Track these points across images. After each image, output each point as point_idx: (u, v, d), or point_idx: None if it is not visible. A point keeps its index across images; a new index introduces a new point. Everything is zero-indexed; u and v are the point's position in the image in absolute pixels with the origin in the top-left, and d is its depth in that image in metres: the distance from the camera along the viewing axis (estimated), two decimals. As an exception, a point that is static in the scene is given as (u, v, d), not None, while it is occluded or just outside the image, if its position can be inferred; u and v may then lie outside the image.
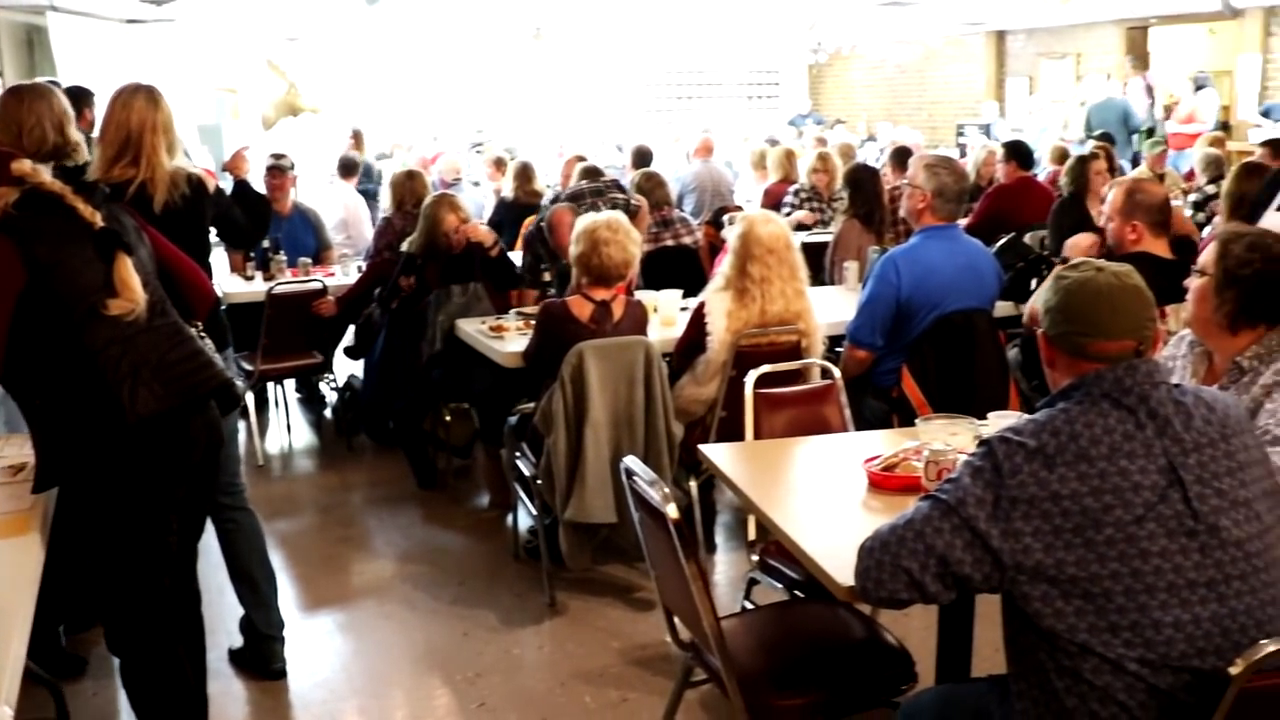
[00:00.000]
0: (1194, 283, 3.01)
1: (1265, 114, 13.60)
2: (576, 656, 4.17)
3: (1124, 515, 2.04)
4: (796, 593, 3.42)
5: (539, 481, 4.49)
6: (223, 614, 4.17)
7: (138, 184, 3.58)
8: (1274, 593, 2.12)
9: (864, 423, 4.25)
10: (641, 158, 9.17)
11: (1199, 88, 14.67)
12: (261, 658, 4.03)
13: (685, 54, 19.28)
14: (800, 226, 7.83)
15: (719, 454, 3.33)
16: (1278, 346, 2.87)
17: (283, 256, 6.97)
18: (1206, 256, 2.98)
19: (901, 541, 2.16)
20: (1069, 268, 2.34)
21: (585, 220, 4.52)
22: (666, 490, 2.61)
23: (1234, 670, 1.93)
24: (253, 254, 7.00)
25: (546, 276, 5.88)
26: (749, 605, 3.72)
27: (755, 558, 3.65)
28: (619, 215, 4.56)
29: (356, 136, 12.02)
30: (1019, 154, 8.39)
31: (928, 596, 2.17)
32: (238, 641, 4.11)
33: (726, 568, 4.92)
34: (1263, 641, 1.96)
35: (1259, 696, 1.95)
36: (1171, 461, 2.09)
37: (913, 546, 2.14)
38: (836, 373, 3.99)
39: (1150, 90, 14.86)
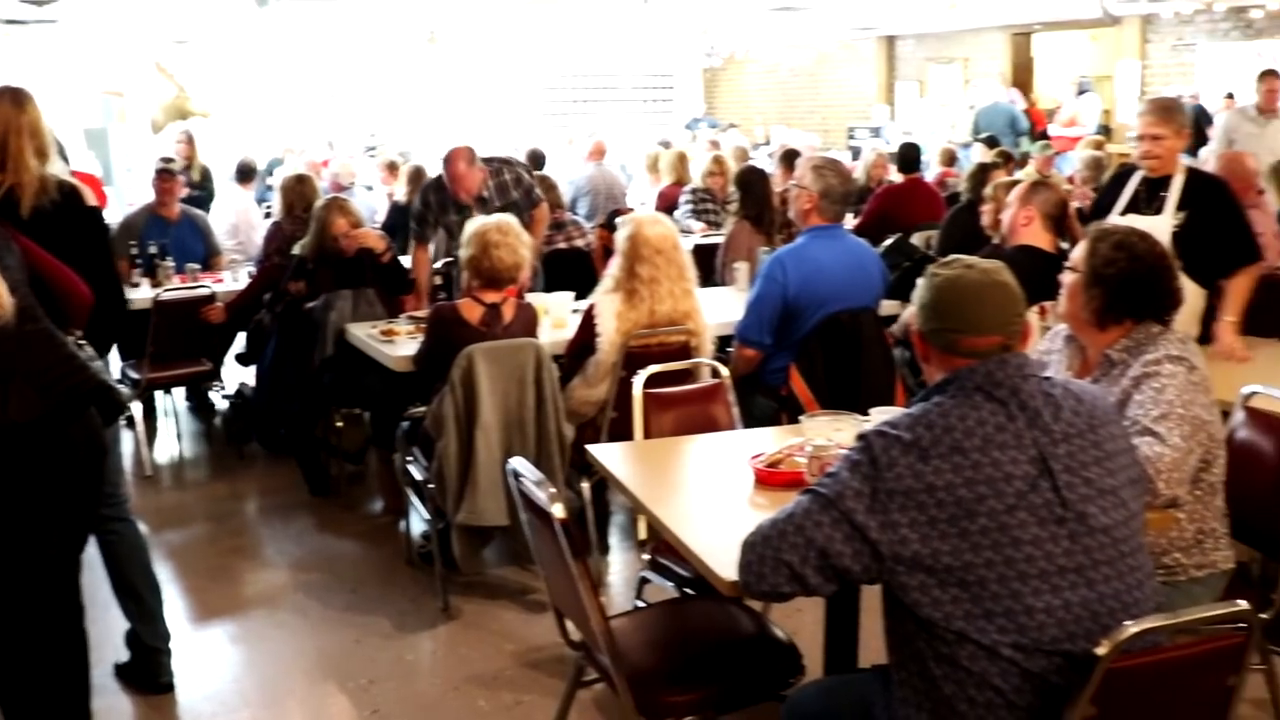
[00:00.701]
0: (1066, 279, 3.09)
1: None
2: (470, 660, 4.15)
3: (996, 505, 2.09)
4: (687, 590, 3.44)
5: (431, 485, 4.47)
6: (109, 628, 4.08)
7: (4, 189, 3.47)
8: (1139, 576, 2.19)
9: (754, 421, 4.29)
10: (535, 161, 9.18)
11: (1081, 92, 15.07)
12: (148, 672, 3.95)
13: (580, 58, 19.29)
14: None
15: (607, 454, 3.34)
16: (1146, 340, 2.97)
17: (170, 263, 6.84)
18: (1076, 254, 3.07)
19: (783, 535, 2.19)
20: (940, 265, 2.39)
21: (475, 223, 4.51)
22: (553, 490, 2.61)
23: (1100, 651, 1.99)
24: (139, 259, 6.87)
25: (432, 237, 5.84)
26: (641, 604, 3.74)
27: (646, 557, 3.67)
28: (509, 218, 4.56)
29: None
30: (904, 157, 8.55)
31: (809, 589, 2.20)
32: (124, 656, 4.02)
33: (621, 567, 4.93)
34: (1126, 623, 2.02)
35: (1124, 676, 2.02)
36: (1041, 452, 2.15)
37: (793, 540, 2.18)
38: (724, 372, 4.03)
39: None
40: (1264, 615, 3.22)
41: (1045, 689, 2.09)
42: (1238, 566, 3.43)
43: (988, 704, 2.10)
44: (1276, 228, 6.36)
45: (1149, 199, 4.68)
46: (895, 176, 8.86)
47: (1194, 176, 4.69)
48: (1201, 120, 11.08)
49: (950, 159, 11.05)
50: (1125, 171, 5.02)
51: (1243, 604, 2.13)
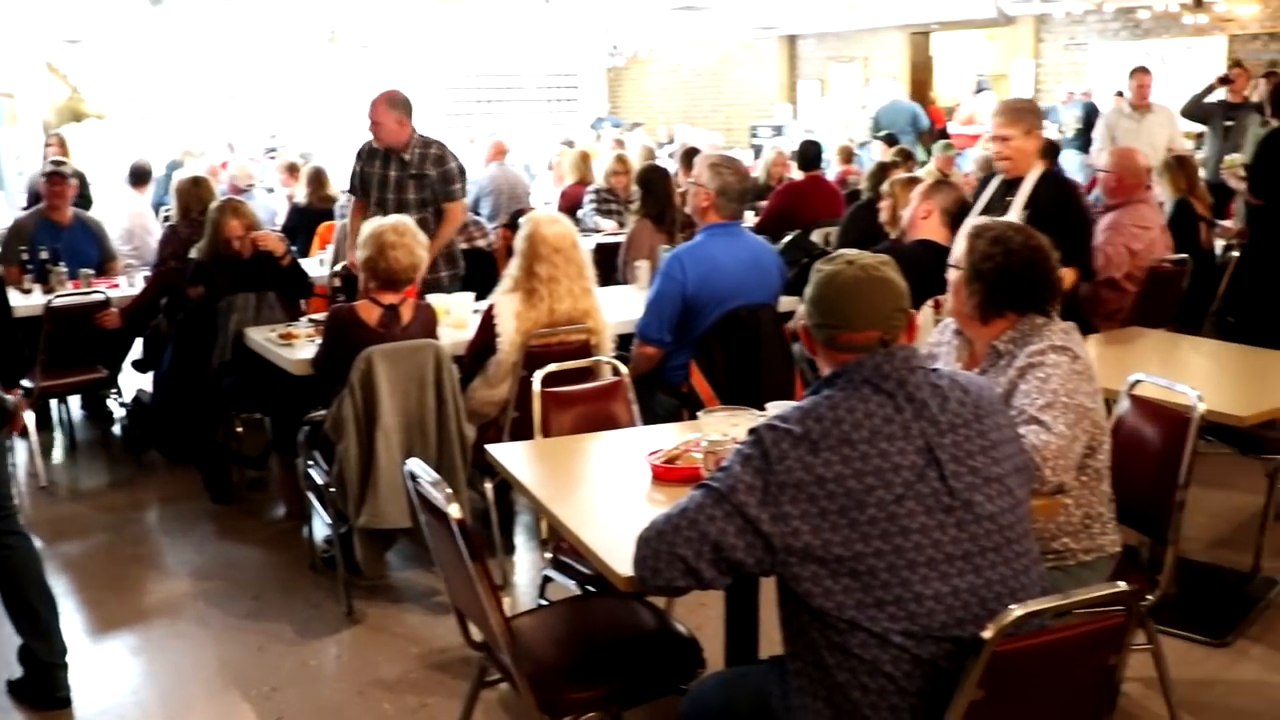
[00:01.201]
0: (950, 276, 3.16)
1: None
2: (375, 664, 4.12)
3: (885, 495, 2.13)
4: (589, 588, 3.45)
5: (332, 489, 4.43)
6: (1, 643, 3.99)
7: None
8: (1025, 562, 2.24)
9: (655, 418, 4.32)
10: (438, 162, 9.10)
11: (978, 91, 15.35)
12: (44, 687, 3.86)
13: (483, 58, 19.20)
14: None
15: (506, 453, 3.34)
16: (1030, 331, 3.04)
17: (63, 268, 6.69)
18: (957, 251, 3.14)
19: (676, 530, 2.21)
20: (823, 261, 2.43)
21: (371, 225, 4.48)
22: (449, 490, 2.61)
23: (986, 635, 2.03)
24: (30, 265, 6.71)
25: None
26: (545, 603, 3.74)
27: (548, 555, 3.67)
28: (405, 219, 4.54)
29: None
30: (806, 155, 8.65)
31: (704, 582, 2.22)
32: (17, 672, 3.93)
33: (527, 567, 4.93)
34: (1012, 607, 2.07)
35: (1010, 658, 2.06)
36: (929, 442, 2.19)
37: (687, 534, 2.20)
38: (624, 370, 4.04)
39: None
40: (1150, 597, 3.34)
41: (935, 674, 2.13)
42: (1126, 550, 3.53)
43: (880, 691, 2.14)
44: (1164, 221, 6.53)
45: (1001, 199, 4.79)
46: (796, 174, 8.95)
47: (1044, 179, 4.80)
48: (1093, 117, 11.33)
49: (849, 156, 11.20)
50: (992, 173, 5.15)
51: (1122, 585, 2.19)
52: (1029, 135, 4.76)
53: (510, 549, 5.03)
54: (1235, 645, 4.10)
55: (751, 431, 2.24)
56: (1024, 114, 4.84)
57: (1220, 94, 9.87)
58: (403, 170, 6.01)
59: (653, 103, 20.60)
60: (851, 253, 2.44)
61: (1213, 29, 13.59)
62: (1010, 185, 4.80)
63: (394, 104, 5.99)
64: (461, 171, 6.23)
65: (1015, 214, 4.60)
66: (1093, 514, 3.15)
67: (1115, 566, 3.25)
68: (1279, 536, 4.98)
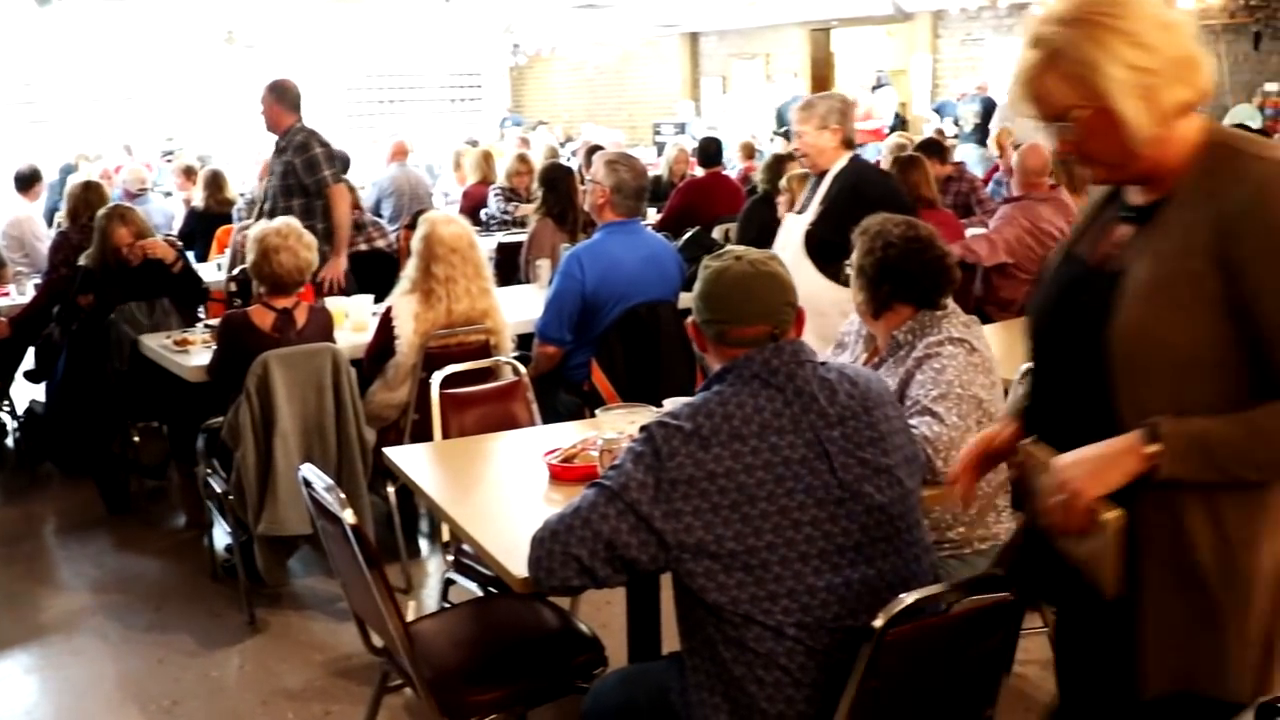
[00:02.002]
0: (851, 271, 3.20)
1: (938, 111, 14.50)
2: (278, 673, 4.07)
3: (776, 489, 2.14)
4: (491, 589, 3.44)
5: (231, 497, 4.36)
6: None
7: None
8: (916, 551, 2.28)
9: (557, 417, 4.31)
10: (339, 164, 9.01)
11: (877, 86, 15.53)
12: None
13: (385, 58, 19.03)
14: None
15: (404, 456, 3.31)
16: (930, 323, 3.09)
17: (-52, 277, 6.52)
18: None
19: (570, 530, 2.21)
20: (711, 257, 2.44)
21: (256, 229, 4.42)
22: (343, 496, 2.58)
23: (876, 624, 2.06)
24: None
25: None
26: (447, 606, 3.72)
27: (450, 558, 3.65)
28: (291, 221, 4.48)
29: None
30: (706, 152, 8.69)
31: (599, 581, 2.22)
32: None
33: (434, 570, 4.90)
34: (902, 596, 2.10)
35: (900, 645, 2.09)
36: (818, 435, 2.21)
37: (581, 534, 2.19)
38: (523, 370, 4.04)
39: None
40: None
41: (830, 665, 2.15)
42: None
43: (776, 683, 2.16)
44: (1075, 215, 6.65)
45: (810, 198, 4.80)
46: (699, 171, 8.99)
47: (843, 172, 4.69)
48: (990, 112, 11.55)
49: (751, 153, 11.26)
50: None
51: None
52: (822, 130, 4.69)
53: (414, 552, 4.99)
54: (1129, 625, 4.18)
55: (643, 429, 2.24)
56: (813, 108, 4.76)
57: None
58: (277, 158, 6.13)
59: (556, 101, 20.59)
60: (739, 248, 2.46)
61: (1103, 24, 13.86)
62: (817, 181, 4.78)
63: (271, 90, 6.14)
64: (330, 158, 6.23)
65: (811, 212, 4.65)
66: (987, 503, 3.20)
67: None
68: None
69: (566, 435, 3.34)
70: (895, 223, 3.16)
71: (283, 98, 6.13)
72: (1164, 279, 1.85)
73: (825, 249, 4.44)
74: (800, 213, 4.74)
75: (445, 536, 3.81)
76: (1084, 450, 1.87)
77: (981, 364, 3.06)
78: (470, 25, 16.98)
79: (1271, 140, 1.85)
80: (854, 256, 3.15)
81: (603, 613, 3.84)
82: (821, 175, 4.73)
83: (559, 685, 2.90)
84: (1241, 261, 1.79)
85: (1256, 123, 11.11)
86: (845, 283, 4.31)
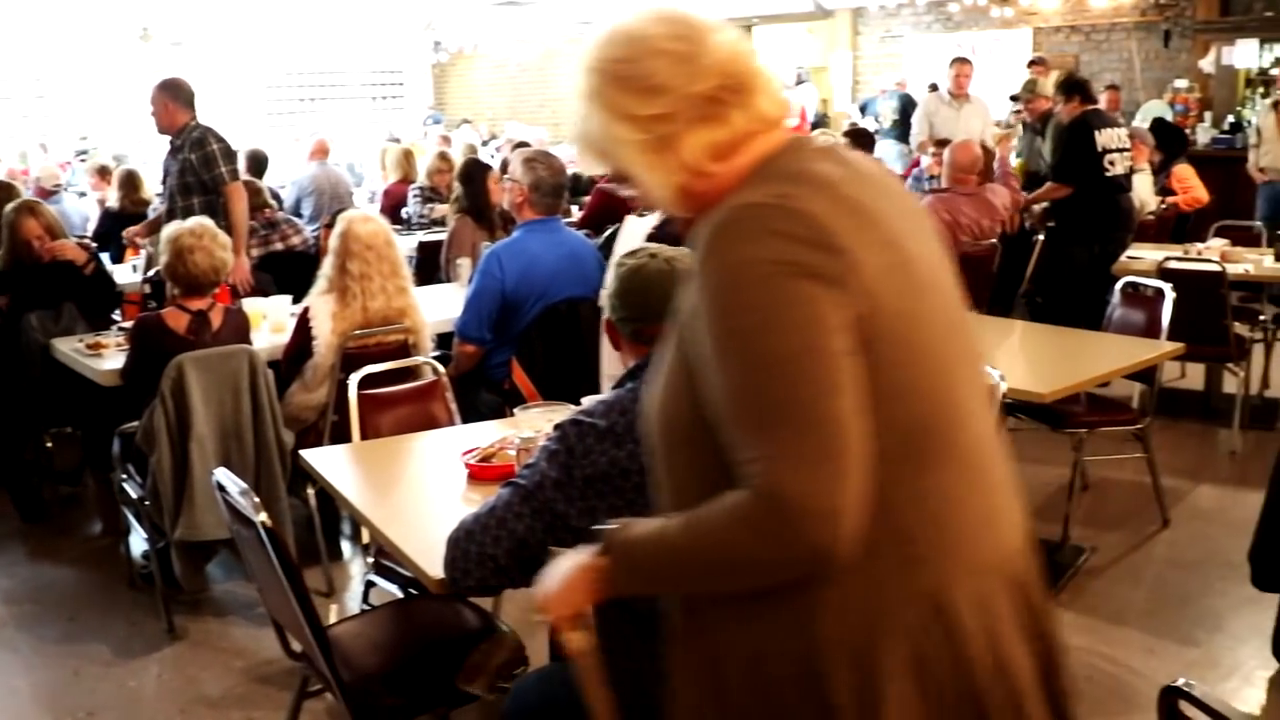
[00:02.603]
0: None
1: (862, 109, 14.62)
2: (198, 681, 4.01)
3: None
4: (412, 590, 3.42)
5: (147, 503, 4.29)
6: None
7: None
8: None
9: (479, 416, 4.27)
10: (256, 163, 8.91)
11: (798, 83, 15.63)
12: None
13: (305, 55, 18.82)
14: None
15: (322, 458, 3.28)
16: None
17: None
18: None
19: (485, 529, 2.20)
20: (626, 255, 2.45)
21: (170, 229, 4.36)
22: (257, 500, 2.55)
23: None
24: None
25: None
26: (368, 608, 3.70)
27: (370, 560, 3.63)
28: (204, 221, 4.42)
29: None
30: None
31: (515, 581, 2.22)
32: None
33: (358, 572, 4.85)
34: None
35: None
36: (730, 430, 2.22)
37: (496, 533, 2.19)
38: (441, 369, 4.02)
39: None
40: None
41: None
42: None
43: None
44: (997, 210, 6.74)
45: None
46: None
47: None
48: (909, 108, 11.65)
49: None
50: None
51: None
52: None
53: (337, 555, 4.94)
54: (1045, 612, 4.25)
55: (557, 427, 2.24)
56: None
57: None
58: (173, 157, 6.05)
59: (479, 99, 20.47)
60: (654, 246, 2.46)
61: (1019, 22, 14.10)
62: None
63: (163, 88, 6.09)
64: (227, 155, 6.16)
65: (656, 216, 4.59)
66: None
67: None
68: (1086, 506, 5.23)
69: (486, 434, 3.33)
70: None
71: (177, 96, 6.06)
72: (671, 343, 1.64)
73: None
74: (643, 215, 4.63)
75: (366, 539, 3.79)
76: (558, 562, 1.71)
77: None
78: (391, 22, 16.86)
79: (800, 171, 1.57)
80: None
81: (527, 611, 3.83)
82: None
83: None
84: (679, 328, 1.61)
85: (1169, 117, 11.33)
86: None
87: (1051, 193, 7.03)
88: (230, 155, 6.16)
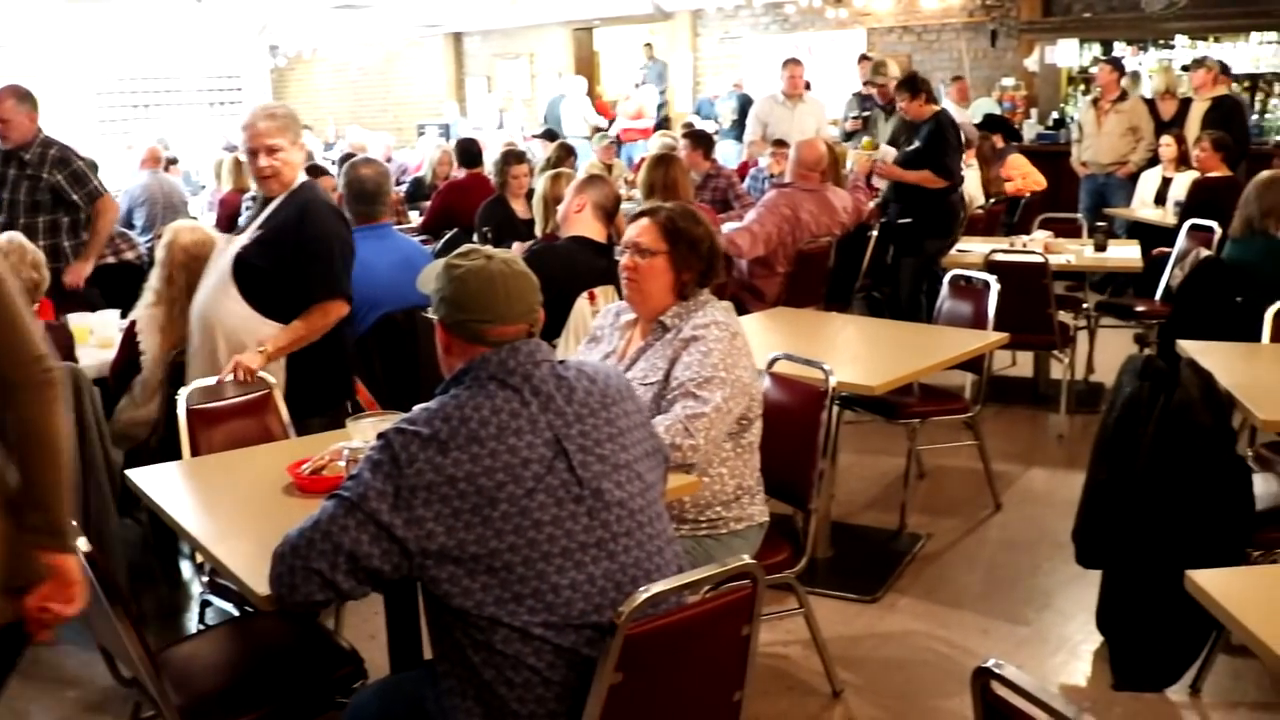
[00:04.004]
0: (640, 261, 3.22)
1: (698, 112, 14.77)
2: (28, 713, 3.86)
3: (516, 490, 2.16)
4: (248, 609, 3.35)
5: (-32, 529, 4.12)
6: None
7: None
8: (659, 544, 2.32)
9: (317, 428, 4.21)
10: (83, 172, 8.60)
11: (640, 84, 15.73)
12: None
13: (136, 60, 18.24)
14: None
15: (148, 477, 3.19)
16: (696, 306, 3.21)
17: None
18: (648, 237, 3.21)
19: (310, 544, 2.18)
20: (459, 256, 2.44)
21: None
22: (74, 524, 2.47)
23: (618, 619, 2.09)
24: None
25: None
26: (203, 628, 3.62)
27: (205, 579, 3.54)
28: (14, 236, 4.26)
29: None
30: (466, 153, 8.66)
31: (343, 594, 2.20)
32: None
33: (197, 592, 4.73)
34: (640, 589, 2.14)
35: (643, 639, 2.13)
36: (556, 434, 2.23)
37: (321, 547, 2.16)
38: (273, 380, 3.94)
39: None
40: (800, 564, 3.52)
41: (578, 661, 2.17)
42: (781, 519, 3.72)
43: (525, 684, 2.17)
44: (848, 207, 6.86)
45: (251, 218, 4.27)
46: (460, 173, 8.91)
47: (294, 199, 4.13)
48: (748, 108, 11.80)
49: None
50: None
51: (746, 559, 2.30)
52: (294, 145, 4.17)
53: (174, 575, 4.81)
54: (885, 599, 4.37)
55: (380, 436, 2.23)
56: (287, 120, 4.18)
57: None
58: (21, 170, 5.79)
59: (320, 103, 20.11)
60: (485, 248, 2.47)
61: (853, 22, 14.41)
62: (266, 202, 4.23)
63: (23, 99, 5.77)
64: (92, 166, 6.06)
65: (251, 233, 4.15)
66: (744, 485, 3.30)
67: (764, 535, 3.41)
68: (922, 494, 5.38)
69: (321, 447, 3.27)
70: (685, 208, 3.30)
71: (27, 102, 5.78)
72: None
73: (255, 277, 4.06)
74: (238, 233, 4.25)
75: (200, 557, 3.69)
76: None
77: (743, 348, 3.19)
78: (225, 26, 16.46)
79: None
80: (659, 241, 3.21)
81: (370, 623, 3.78)
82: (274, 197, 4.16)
83: (318, 701, 2.85)
84: None
85: (998, 113, 11.71)
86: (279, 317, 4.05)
87: (925, 180, 7.18)
88: (94, 166, 6.00)
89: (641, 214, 3.31)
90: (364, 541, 2.14)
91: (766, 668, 3.85)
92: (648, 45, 16.39)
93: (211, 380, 3.87)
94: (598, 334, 3.52)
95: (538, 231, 5.77)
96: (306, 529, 2.20)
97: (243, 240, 4.10)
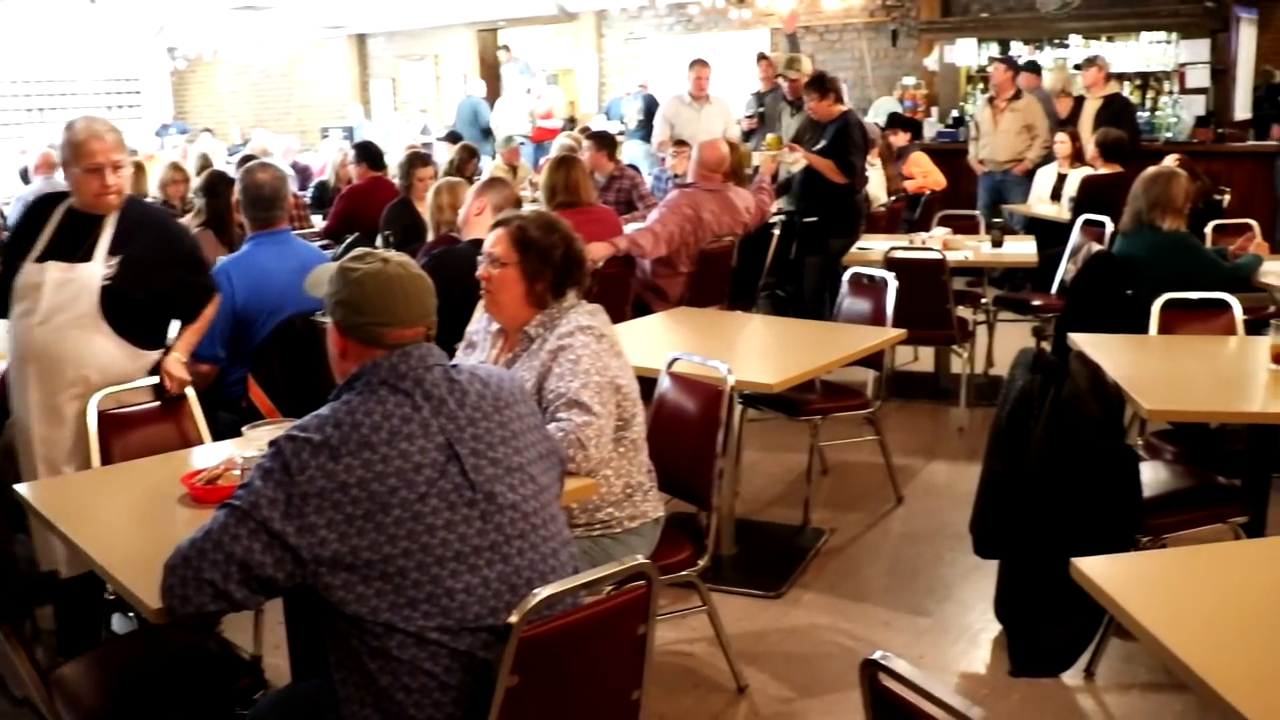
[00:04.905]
0: (494, 271, 3.21)
1: (607, 111, 14.78)
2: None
3: (409, 495, 2.16)
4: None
5: None
6: None
7: None
8: (554, 545, 2.34)
9: (219, 436, 4.15)
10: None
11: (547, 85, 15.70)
12: None
13: (29, 62, 17.83)
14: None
15: (39, 490, 3.14)
16: (559, 314, 3.20)
17: None
18: (501, 247, 3.20)
19: (201, 554, 2.16)
20: (354, 259, 2.43)
21: None
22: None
23: (512, 620, 2.10)
24: None
25: None
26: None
27: (110, 595, 3.48)
28: None
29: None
30: (368, 155, 8.59)
31: (236, 604, 2.18)
32: None
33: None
34: (535, 591, 2.15)
35: (538, 640, 2.14)
36: (448, 438, 2.24)
37: (213, 557, 2.14)
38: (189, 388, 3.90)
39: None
40: (701, 562, 3.55)
41: (474, 665, 2.18)
42: (685, 518, 3.74)
43: (422, 689, 2.17)
44: (751, 207, 6.92)
45: (74, 241, 3.87)
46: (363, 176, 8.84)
47: (129, 212, 3.93)
48: (653, 109, 11.84)
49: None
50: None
51: (640, 559, 2.32)
52: (123, 154, 3.92)
53: (78, 589, 4.71)
54: (789, 595, 4.43)
55: (271, 444, 2.21)
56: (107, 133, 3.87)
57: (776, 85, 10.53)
58: None
59: (223, 106, 19.82)
60: (380, 252, 2.47)
61: (756, 23, 14.51)
62: (85, 223, 3.90)
63: None
64: None
65: (102, 258, 3.85)
66: (633, 483, 3.32)
67: (664, 532, 3.44)
68: (826, 490, 5.45)
69: (221, 455, 3.23)
70: (540, 215, 3.27)
71: None
72: None
73: (126, 309, 3.87)
74: (86, 260, 3.85)
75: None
76: None
77: (611, 348, 3.19)
78: (121, 27, 16.14)
79: None
80: (509, 252, 3.19)
81: (275, 633, 3.75)
82: (95, 217, 3.88)
83: (216, 713, 2.83)
84: None
85: (900, 112, 11.88)
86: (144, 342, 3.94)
87: (829, 171, 7.26)
88: None
89: (497, 223, 3.29)
90: (256, 550, 2.12)
91: (672, 665, 3.88)
92: (504, 48, 16.37)
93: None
94: (474, 339, 3.52)
95: (430, 234, 5.72)
96: (198, 539, 2.18)
97: (98, 270, 3.82)
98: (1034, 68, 10.93)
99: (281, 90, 19.27)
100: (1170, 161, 6.59)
